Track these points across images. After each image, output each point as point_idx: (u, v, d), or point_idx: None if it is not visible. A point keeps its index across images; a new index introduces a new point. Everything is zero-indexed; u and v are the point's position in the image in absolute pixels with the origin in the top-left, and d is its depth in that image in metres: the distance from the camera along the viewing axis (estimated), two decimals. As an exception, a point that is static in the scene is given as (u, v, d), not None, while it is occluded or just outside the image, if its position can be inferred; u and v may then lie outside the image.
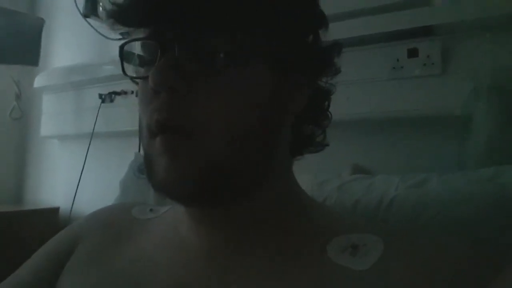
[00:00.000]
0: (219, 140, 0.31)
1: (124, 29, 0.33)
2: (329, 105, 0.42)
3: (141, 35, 0.33)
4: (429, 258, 0.29)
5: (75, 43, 1.25)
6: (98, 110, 1.08)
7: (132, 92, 1.05)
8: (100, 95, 1.10)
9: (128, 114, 1.01)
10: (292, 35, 0.35)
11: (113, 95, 1.09)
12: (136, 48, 0.35)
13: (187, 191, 0.31)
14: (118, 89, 1.08)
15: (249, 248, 0.34)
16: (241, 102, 0.32)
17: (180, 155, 0.31)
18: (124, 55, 0.34)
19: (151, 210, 0.45)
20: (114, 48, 0.36)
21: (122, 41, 0.34)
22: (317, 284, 0.30)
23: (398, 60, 0.70)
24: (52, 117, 1.26)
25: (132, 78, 0.36)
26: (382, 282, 0.28)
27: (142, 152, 0.35)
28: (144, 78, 0.33)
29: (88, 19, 1.08)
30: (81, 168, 1.10)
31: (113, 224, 0.44)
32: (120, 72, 0.35)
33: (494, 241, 0.39)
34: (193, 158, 0.31)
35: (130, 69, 0.35)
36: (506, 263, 0.27)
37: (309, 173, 0.56)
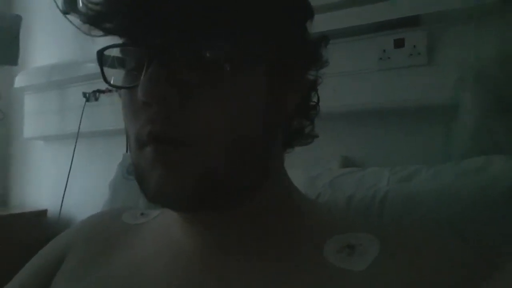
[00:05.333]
0: (216, 150, 0.30)
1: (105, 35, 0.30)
2: (318, 97, 0.41)
3: (124, 40, 0.30)
4: (425, 257, 0.29)
5: (56, 40, 1.22)
6: (83, 109, 1.06)
7: (117, 90, 1.03)
8: (84, 94, 1.08)
9: (114, 112, 0.99)
10: (284, 33, 0.33)
11: (97, 93, 1.07)
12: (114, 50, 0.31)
13: (184, 202, 0.30)
14: (102, 87, 1.05)
15: (244, 249, 0.34)
16: (238, 110, 0.30)
17: (175, 166, 0.29)
18: (104, 60, 0.31)
19: (142, 214, 0.45)
20: (97, 45, 0.32)
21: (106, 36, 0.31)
22: (314, 285, 0.30)
23: (384, 51, 0.70)
24: (35, 117, 1.22)
25: (116, 87, 0.33)
26: (379, 282, 0.28)
27: (129, 153, 0.34)
28: (130, 88, 0.31)
29: (68, 15, 1.05)
30: (67, 169, 1.08)
31: (103, 231, 0.43)
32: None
33: (489, 239, 0.40)
34: (189, 168, 0.29)
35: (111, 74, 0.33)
36: (502, 261, 0.28)
37: (298, 168, 0.56)
